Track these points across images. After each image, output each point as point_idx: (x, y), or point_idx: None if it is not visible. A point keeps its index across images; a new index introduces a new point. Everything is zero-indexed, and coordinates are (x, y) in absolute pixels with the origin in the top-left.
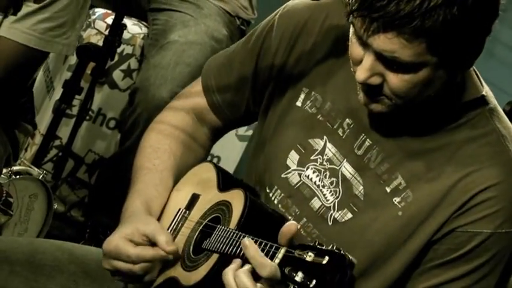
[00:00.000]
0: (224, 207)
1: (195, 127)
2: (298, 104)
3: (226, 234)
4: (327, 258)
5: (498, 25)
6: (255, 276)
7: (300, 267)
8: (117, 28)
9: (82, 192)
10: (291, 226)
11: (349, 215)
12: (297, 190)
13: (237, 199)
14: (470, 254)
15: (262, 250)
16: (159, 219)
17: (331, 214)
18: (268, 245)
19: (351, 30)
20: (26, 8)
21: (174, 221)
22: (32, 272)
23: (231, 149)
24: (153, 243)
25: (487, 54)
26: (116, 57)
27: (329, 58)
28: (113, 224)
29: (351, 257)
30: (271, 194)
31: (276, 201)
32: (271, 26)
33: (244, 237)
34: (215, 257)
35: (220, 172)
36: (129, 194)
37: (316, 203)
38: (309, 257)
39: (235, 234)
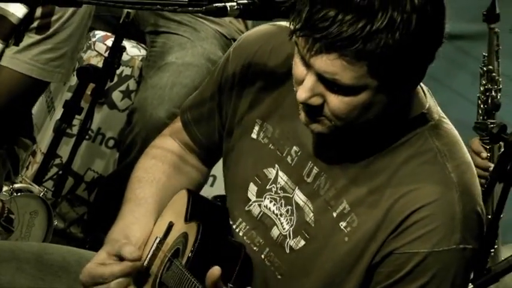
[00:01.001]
0: (184, 239)
1: (183, 152)
2: (254, 136)
3: (177, 270)
4: None
5: (485, 49)
6: None
7: None
8: (116, 50)
9: (81, 210)
10: (213, 271)
11: (302, 242)
12: (259, 221)
13: (191, 232)
14: (410, 274)
15: None
16: (144, 245)
17: (288, 242)
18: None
19: (295, 50)
20: (29, 39)
21: (151, 251)
22: (39, 270)
23: None
24: (122, 260)
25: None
26: (115, 79)
27: (277, 86)
28: None
29: None
30: (235, 226)
31: (241, 234)
32: (227, 59)
33: (186, 278)
34: None
35: (192, 200)
36: (115, 222)
37: (275, 232)
38: None
39: (181, 273)
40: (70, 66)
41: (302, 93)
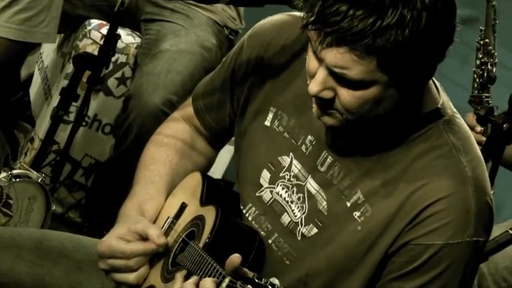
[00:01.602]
0: (200, 222)
1: (194, 136)
2: (267, 123)
3: (194, 252)
4: None
5: (473, 34)
6: None
7: None
8: (111, 38)
9: (79, 195)
10: (233, 259)
11: (315, 230)
12: (269, 207)
13: (209, 216)
14: (425, 265)
15: (212, 276)
16: (154, 222)
17: (299, 229)
18: (218, 272)
19: (309, 43)
20: (0, 3)
21: (163, 229)
22: (38, 257)
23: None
24: (144, 239)
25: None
26: (111, 66)
27: (292, 76)
28: (109, 225)
29: None
30: (245, 211)
31: (250, 218)
32: (241, 47)
33: (205, 259)
34: (184, 273)
35: (207, 183)
36: (127, 198)
37: (286, 219)
38: None
39: (199, 255)
40: (51, 25)
41: (313, 87)
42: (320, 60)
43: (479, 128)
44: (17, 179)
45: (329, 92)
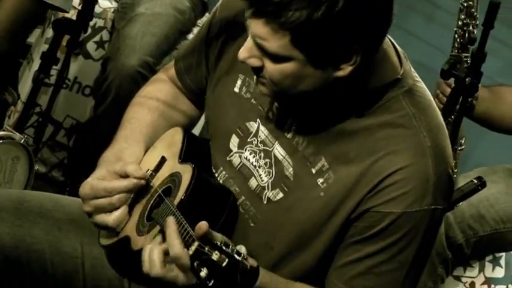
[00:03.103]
0: (176, 179)
1: (175, 95)
2: (236, 89)
3: (168, 210)
4: (226, 260)
5: None
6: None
7: (206, 264)
8: (89, 3)
9: (61, 154)
10: (201, 226)
11: (281, 195)
12: (238, 171)
13: (186, 174)
14: (384, 231)
15: (183, 237)
16: None
17: (266, 193)
18: (189, 235)
19: None
20: None
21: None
22: (17, 218)
23: None
24: (124, 177)
25: (428, 20)
26: (89, 30)
27: None
28: None
29: (249, 262)
30: (216, 174)
31: (221, 181)
32: (214, 15)
33: (177, 218)
34: (157, 229)
35: (187, 140)
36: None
37: (253, 183)
38: (215, 255)
39: (172, 214)
40: None
41: (241, 53)
42: (248, 29)
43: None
44: (0, 141)
45: (256, 60)
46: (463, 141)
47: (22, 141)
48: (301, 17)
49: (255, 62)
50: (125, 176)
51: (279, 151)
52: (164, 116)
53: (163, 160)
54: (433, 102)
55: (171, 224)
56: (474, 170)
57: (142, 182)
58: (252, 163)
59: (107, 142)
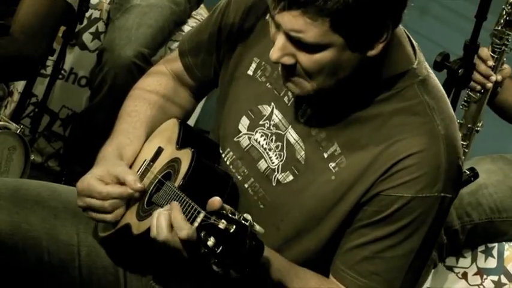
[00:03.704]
0: (175, 164)
1: (174, 88)
2: (250, 72)
3: (170, 191)
4: (234, 227)
5: None
6: None
7: (213, 233)
8: None
9: (57, 144)
10: (214, 202)
11: (291, 177)
12: (246, 153)
13: (185, 158)
14: (393, 216)
15: (188, 212)
16: (130, 166)
17: (275, 176)
18: (193, 208)
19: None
20: None
21: (139, 171)
22: (14, 205)
23: None
24: (121, 183)
25: (422, 12)
26: (85, 21)
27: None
28: (86, 172)
29: (257, 228)
30: (223, 155)
31: (228, 162)
32: (229, 1)
33: (180, 197)
34: (159, 210)
35: (183, 129)
36: (106, 142)
37: (263, 165)
38: (222, 224)
39: (175, 193)
40: None
41: (273, 53)
42: (277, 26)
43: (491, 63)
44: None
45: (290, 58)
46: (480, 124)
47: (18, 132)
48: (340, 0)
49: (288, 60)
50: (123, 182)
51: (291, 135)
52: (162, 109)
53: (159, 150)
54: (445, 94)
55: (174, 206)
56: (473, 158)
57: (137, 194)
58: (262, 145)
59: (102, 132)
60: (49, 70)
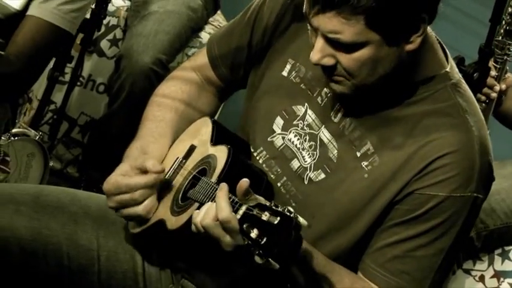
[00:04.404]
0: (211, 160)
1: (196, 94)
2: (284, 73)
3: (207, 186)
4: (278, 218)
5: None
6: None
7: (256, 225)
8: (102, 2)
9: (76, 151)
10: (242, 183)
11: (323, 175)
12: (280, 152)
13: (221, 154)
14: (426, 214)
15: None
16: (161, 163)
17: (307, 174)
18: (235, 201)
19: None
20: None
21: (172, 168)
22: (35, 211)
23: None
24: (145, 172)
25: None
26: (103, 28)
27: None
28: (104, 178)
29: (300, 220)
30: (255, 154)
31: (260, 161)
32: (264, 1)
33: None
34: (195, 206)
35: (216, 127)
36: (130, 144)
37: (295, 164)
38: (265, 216)
39: (213, 188)
40: (81, 20)
41: (314, 56)
42: (315, 29)
43: (493, 73)
44: (16, 138)
45: (330, 59)
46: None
47: (37, 138)
48: None
49: (328, 61)
50: (146, 171)
51: (325, 134)
52: (185, 115)
53: (192, 147)
54: (475, 99)
55: (223, 187)
56: None
57: (161, 176)
58: (296, 145)
59: (121, 138)
60: (67, 77)
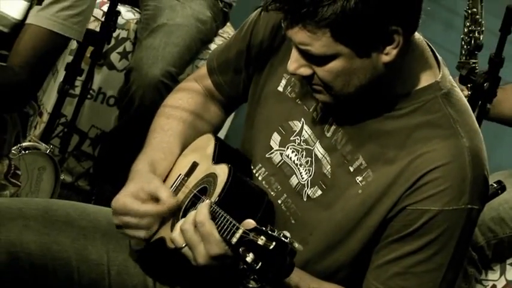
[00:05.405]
0: (212, 179)
1: (203, 105)
2: (280, 89)
3: None
4: (274, 243)
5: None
6: None
7: (252, 249)
8: (112, 15)
9: (87, 164)
10: (249, 223)
11: (319, 192)
12: (279, 169)
13: (222, 173)
14: (421, 229)
15: (226, 227)
16: (164, 180)
17: (305, 191)
18: (231, 224)
19: None
20: None
21: (174, 185)
22: (44, 226)
23: None
24: (156, 199)
25: (447, 26)
26: (113, 41)
27: None
28: (116, 191)
29: (296, 245)
30: (254, 171)
31: (260, 178)
32: (259, 15)
33: (217, 213)
34: None
35: (218, 144)
36: (138, 156)
37: (294, 180)
38: (261, 240)
39: (213, 210)
40: (85, 24)
41: (289, 66)
42: (291, 40)
43: (466, 92)
44: (26, 151)
45: (306, 69)
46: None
47: (48, 152)
48: (336, 9)
49: (305, 71)
50: (157, 199)
51: (319, 150)
52: (193, 126)
53: (195, 165)
54: (469, 107)
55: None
56: (493, 174)
57: (173, 209)
58: (293, 161)
59: (132, 151)
60: (78, 90)
